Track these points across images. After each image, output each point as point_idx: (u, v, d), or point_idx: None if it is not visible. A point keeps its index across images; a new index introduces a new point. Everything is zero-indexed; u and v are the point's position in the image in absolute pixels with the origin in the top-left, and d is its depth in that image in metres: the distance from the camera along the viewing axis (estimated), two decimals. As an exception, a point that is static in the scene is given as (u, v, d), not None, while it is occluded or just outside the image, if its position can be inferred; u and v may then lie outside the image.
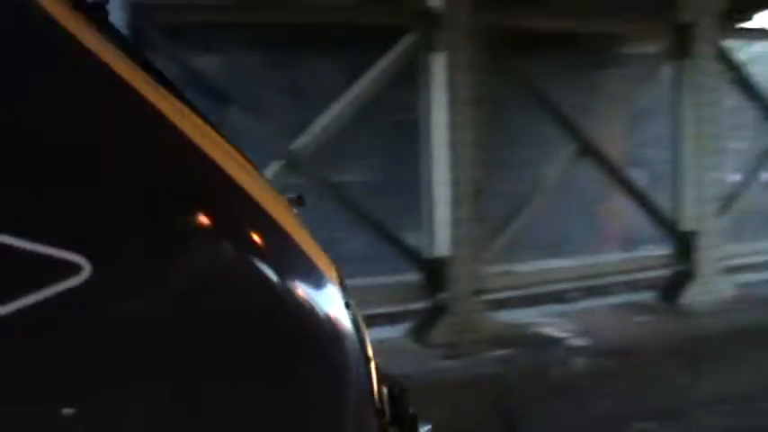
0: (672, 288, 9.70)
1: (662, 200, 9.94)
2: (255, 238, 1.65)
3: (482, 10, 7.96)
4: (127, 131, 1.59)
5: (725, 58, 10.18)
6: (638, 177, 10.76)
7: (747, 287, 10.51)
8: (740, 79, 10.66)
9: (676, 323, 9.25)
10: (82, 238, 1.49)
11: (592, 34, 10.93)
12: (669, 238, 9.84)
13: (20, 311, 1.42)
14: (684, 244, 9.62)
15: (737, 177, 11.28)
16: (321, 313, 1.70)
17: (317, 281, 1.73)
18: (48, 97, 1.53)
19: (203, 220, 1.61)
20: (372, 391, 1.84)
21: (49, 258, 1.45)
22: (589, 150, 9.03)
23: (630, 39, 12.03)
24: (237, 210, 1.66)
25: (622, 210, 11.49)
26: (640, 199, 9.77)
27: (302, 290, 1.69)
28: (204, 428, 1.59)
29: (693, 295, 9.57)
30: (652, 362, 8.40)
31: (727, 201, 10.39)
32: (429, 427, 2.19)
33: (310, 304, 1.70)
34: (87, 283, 1.46)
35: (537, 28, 9.32)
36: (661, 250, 10.17)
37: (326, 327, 1.70)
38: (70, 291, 1.45)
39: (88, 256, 1.47)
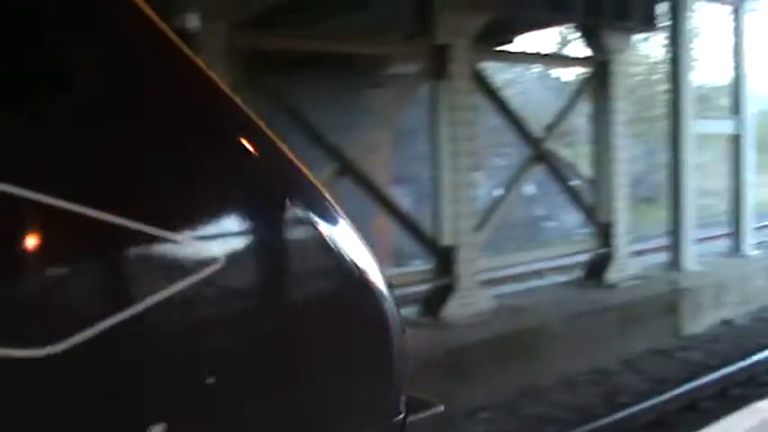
0: (434, 302, 9.97)
1: (426, 216, 10.21)
2: (330, 227, 2.03)
3: (238, 30, 7.93)
4: (236, 141, 1.93)
5: (480, 80, 10.59)
6: (404, 194, 11.01)
7: (506, 298, 10.98)
8: (496, 99, 11.12)
9: (437, 336, 9.49)
10: (217, 234, 1.83)
11: (356, 55, 11.13)
12: (431, 253, 10.11)
13: (177, 294, 1.71)
14: (444, 259, 9.91)
15: (499, 192, 11.78)
16: (379, 287, 2.09)
17: (373, 264, 2.09)
18: (186, 117, 1.84)
19: (293, 212, 1.99)
20: (406, 348, 2.21)
21: (197, 250, 1.77)
22: (349, 169, 9.15)
23: (393, 60, 12.33)
24: (314, 202, 2.02)
25: (393, 226, 11.73)
26: (401, 216, 9.99)
27: (366, 271, 2.07)
28: (299, 379, 1.95)
29: (454, 308, 9.86)
30: (413, 375, 8.57)
31: (486, 215, 10.80)
32: None
33: (373, 281, 2.07)
34: (221, 270, 1.78)
35: (294, 49, 9.38)
36: (426, 265, 10.44)
37: (380, 297, 2.08)
38: (209, 277, 1.76)
39: (222, 249, 1.80)
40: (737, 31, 14.66)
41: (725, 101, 16.51)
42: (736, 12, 14.57)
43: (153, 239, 1.71)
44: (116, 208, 1.64)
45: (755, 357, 10.48)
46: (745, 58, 14.75)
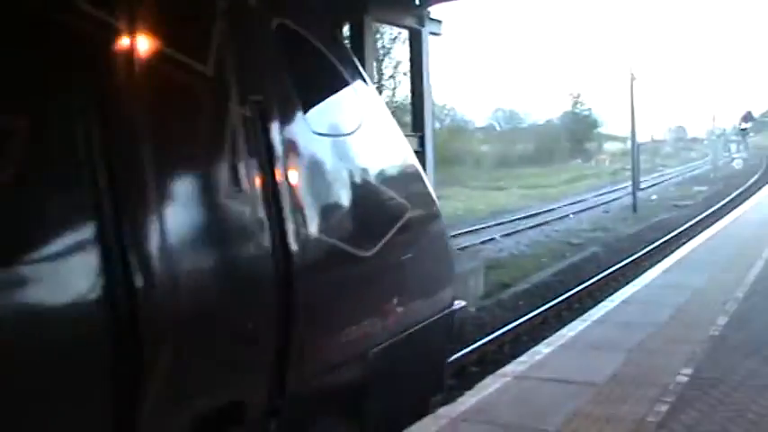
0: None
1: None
2: (436, 203, 5.90)
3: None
4: (404, 157, 5.80)
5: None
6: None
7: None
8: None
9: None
10: (404, 197, 5.27)
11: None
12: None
13: (403, 225, 5.06)
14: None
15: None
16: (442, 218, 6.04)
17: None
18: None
19: (421, 180, 5.82)
20: None
21: (406, 206, 5.18)
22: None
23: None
24: (422, 173, 5.87)
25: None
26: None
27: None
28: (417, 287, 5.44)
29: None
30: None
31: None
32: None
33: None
34: (408, 219, 5.14)
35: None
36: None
37: (444, 224, 6.10)
38: (408, 219, 5.15)
39: (408, 204, 5.22)
40: (418, 53, 15.17)
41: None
42: (418, 34, 15.05)
43: (398, 203, 5.05)
44: (393, 191, 5.08)
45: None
46: (427, 79, 15.28)
